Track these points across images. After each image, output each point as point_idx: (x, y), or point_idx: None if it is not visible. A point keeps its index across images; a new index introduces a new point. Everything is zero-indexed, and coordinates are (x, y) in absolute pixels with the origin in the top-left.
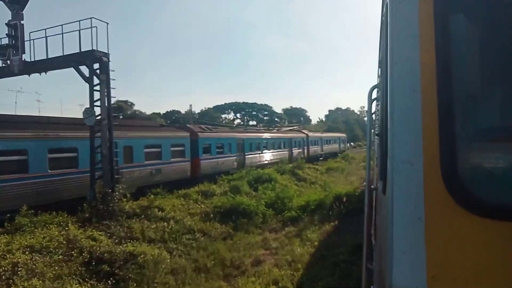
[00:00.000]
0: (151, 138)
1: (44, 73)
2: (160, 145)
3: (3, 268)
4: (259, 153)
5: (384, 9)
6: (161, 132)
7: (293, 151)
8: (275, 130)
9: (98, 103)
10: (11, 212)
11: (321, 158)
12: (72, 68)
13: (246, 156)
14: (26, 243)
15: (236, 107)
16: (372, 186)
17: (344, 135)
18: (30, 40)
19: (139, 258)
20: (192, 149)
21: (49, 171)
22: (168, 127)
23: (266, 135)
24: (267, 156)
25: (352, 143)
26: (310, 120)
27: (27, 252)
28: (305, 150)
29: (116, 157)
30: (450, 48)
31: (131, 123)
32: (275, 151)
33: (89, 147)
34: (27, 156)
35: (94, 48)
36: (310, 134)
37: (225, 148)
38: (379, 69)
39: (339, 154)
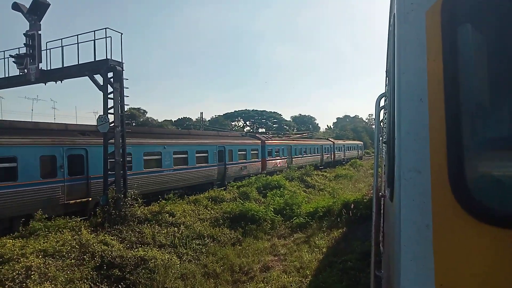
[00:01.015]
0: (242, 145)
1: (59, 81)
2: (245, 149)
3: (17, 271)
4: (301, 156)
5: (392, 19)
6: (245, 140)
7: (323, 155)
8: (310, 139)
9: (111, 110)
10: None
11: (343, 162)
12: (87, 77)
13: (293, 159)
14: (39, 247)
15: (245, 114)
16: (380, 194)
17: (361, 142)
18: (46, 49)
19: (149, 262)
20: (261, 152)
21: None
22: (246, 135)
23: (305, 142)
24: (306, 159)
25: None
26: (319, 128)
27: (40, 256)
28: (332, 155)
29: (226, 158)
30: (457, 58)
31: (228, 134)
32: (311, 155)
33: (32, 155)
34: None
35: (109, 57)
36: (336, 141)
37: (280, 152)
38: (387, 78)
39: (358, 159)
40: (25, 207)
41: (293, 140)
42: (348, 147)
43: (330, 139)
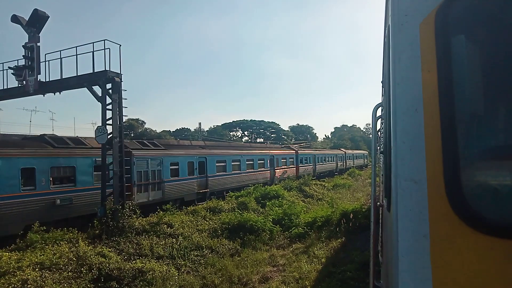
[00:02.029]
0: (284, 154)
1: (58, 92)
2: (286, 158)
3: (12, 285)
4: (322, 164)
5: (387, 31)
6: (285, 150)
7: (338, 163)
8: (327, 149)
9: (110, 121)
10: None
11: (353, 166)
12: (86, 88)
13: (316, 165)
14: (36, 259)
15: (244, 124)
16: (378, 203)
17: (367, 152)
18: (45, 61)
19: (147, 274)
20: (296, 160)
21: None
22: (284, 147)
23: (324, 152)
24: (325, 166)
25: None
26: (317, 137)
27: (37, 269)
28: (344, 163)
29: (274, 164)
30: (451, 68)
31: (273, 146)
32: (329, 163)
33: (184, 161)
34: None
35: (107, 68)
36: (346, 151)
37: (308, 160)
38: (383, 88)
39: (364, 167)
40: (181, 193)
41: (316, 150)
42: (356, 156)
43: (341, 149)
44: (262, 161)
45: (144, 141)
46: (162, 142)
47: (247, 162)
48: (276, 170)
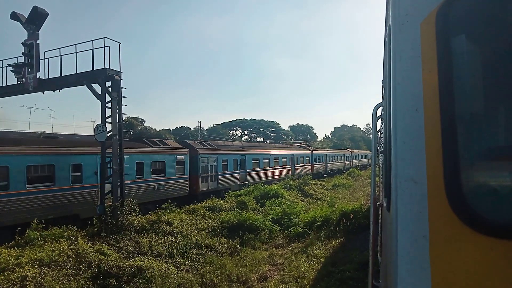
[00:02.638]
0: (301, 153)
1: (57, 90)
2: (303, 157)
3: (12, 282)
4: (332, 162)
5: (387, 30)
6: (301, 150)
7: (345, 162)
8: (336, 149)
9: (109, 119)
10: None
11: (358, 167)
12: (85, 86)
13: (328, 164)
14: (35, 256)
15: (243, 124)
16: (378, 203)
17: (370, 152)
18: (44, 58)
19: (146, 272)
20: (311, 159)
21: None
22: (300, 147)
23: (333, 152)
24: (335, 164)
25: None
26: (317, 137)
27: (36, 266)
28: (351, 162)
29: (295, 162)
30: (452, 68)
31: (294, 145)
32: (338, 161)
33: (232, 159)
34: None
35: (107, 66)
36: (352, 151)
37: (321, 159)
38: (383, 88)
39: (368, 166)
40: (229, 184)
41: (327, 150)
42: (361, 156)
43: (348, 149)
44: (285, 159)
45: (203, 142)
46: (213, 143)
47: (274, 160)
48: (296, 167)
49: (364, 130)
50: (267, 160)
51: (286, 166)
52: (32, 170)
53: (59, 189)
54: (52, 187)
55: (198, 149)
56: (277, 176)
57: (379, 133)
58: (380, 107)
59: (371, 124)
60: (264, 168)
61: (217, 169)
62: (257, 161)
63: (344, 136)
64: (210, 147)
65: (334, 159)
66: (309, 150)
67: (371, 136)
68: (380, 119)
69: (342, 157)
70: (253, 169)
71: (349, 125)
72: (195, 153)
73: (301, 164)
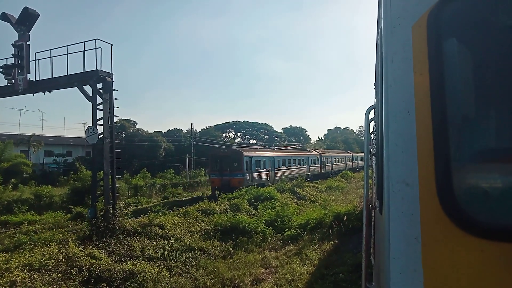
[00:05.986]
0: (312, 156)
1: (48, 92)
2: (314, 159)
3: (1, 287)
4: (337, 163)
5: (379, 33)
6: (312, 153)
7: (347, 163)
8: (339, 151)
9: (101, 121)
10: None
11: (357, 169)
12: (76, 87)
13: (333, 164)
14: (25, 261)
15: (236, 126)
16: (371, 206)
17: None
18: (35, 60)
19: (138, 276)
20: (320, 160)
21: None
22: (311, 150)
23: (338, 154)
24: (338, 165)
25: None
26: (310, 139)
27: (25, 271)
28: (351, 163)
29: (309, 163)
30: (443, 71)
31: (307, 148)
32: (341, 163)
33: (302, 160)
34: None
35: (98, 68)
36: (353, 153)
37: (327, 161)
38: (375, 90)
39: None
40: (262, 180)
41: (333, 152)
42: (360, 158)
43: (349, 151)
44: (301, 160)
45: (247, 146)
46: (251, 147)
47: (293, 160)
48: (310, 167)
49: (357, 132)
50: (289, 161)
51: (301, 166)
52: None
53: None
54: None
55: (243, 151)
56: (296, 174)
57: (371, 136)
58: (373, 110)
59: (363, 126)
60: (288, 167)
61: (252, 167)
62: (282, 162)
63: (337, 139)
64: (252, 150)
65: (339, 160)
66: (318, 152)
67: (363, 138)
68: (372, 121)
69: (345, 159)
70: (279, 167)
71: (342, 127)
72: (239, 155)
73: (313, 165)
